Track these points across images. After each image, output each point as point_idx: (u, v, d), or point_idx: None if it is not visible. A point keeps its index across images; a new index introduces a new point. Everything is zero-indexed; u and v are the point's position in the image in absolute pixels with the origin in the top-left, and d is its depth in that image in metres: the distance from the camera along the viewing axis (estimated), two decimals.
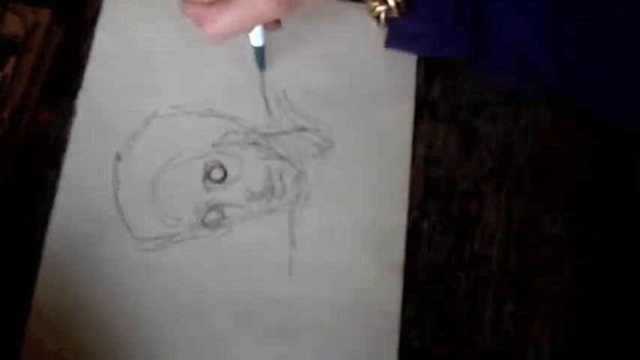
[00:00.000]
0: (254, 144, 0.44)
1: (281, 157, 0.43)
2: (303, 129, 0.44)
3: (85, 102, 0.44)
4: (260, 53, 0.43)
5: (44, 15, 0.44)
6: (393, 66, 0.45)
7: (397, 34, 0.42)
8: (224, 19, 0.36)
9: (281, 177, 0.43)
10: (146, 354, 0.40)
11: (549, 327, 0.41)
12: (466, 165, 0.44)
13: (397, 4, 0.38)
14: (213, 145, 0.44)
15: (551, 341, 0.41)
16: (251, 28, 0.39)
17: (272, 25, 0.41)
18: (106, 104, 0.44)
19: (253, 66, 0.45)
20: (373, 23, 0.41)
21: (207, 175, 0.43)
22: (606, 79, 0.38)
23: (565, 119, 0.45)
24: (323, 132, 0.44)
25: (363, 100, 0.44)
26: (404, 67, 0.45)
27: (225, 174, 0.43)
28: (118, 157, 0.43)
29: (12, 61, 0.42)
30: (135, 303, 0.40)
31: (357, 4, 0.44)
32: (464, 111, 0.45)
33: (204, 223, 0.42)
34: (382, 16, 0.39)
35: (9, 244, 0.41)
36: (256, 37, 0.41)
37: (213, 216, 0.42)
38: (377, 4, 0.39)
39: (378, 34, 0.43)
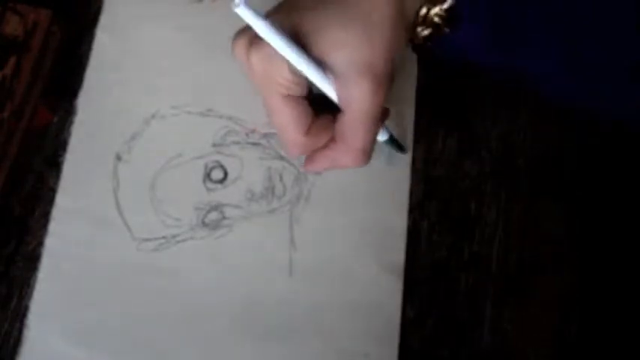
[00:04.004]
0: (254, 144, 0.44)
1: (281, 158, 0.43)
2: None
3: (86, 102, 0.44)
4: (391, 143, 0.42)
5: (44, 15, 0.43)
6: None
7: (438, 47, 0.39)
8: (357, 144, 0.35)
9: (281, 177, 0.43)
10: (146, 354, 0.40)
11: (549, 327, 0.41)
12: (466, 165, 0.44)
13: (444, 19, 0.35)
14: (214, 146, 0.43)
15: (551, 341, 0.41)
16: (378, 130, 0.36)
17: (385, 116, 0.39)
18: (106, 104, 0.44)
19: None
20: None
21: (208, 176, 0.43)
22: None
23: (565, 120, 0.45)
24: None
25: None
26: (405, 71, 0.45)
27: (226, 174, 0.43)
28: (118, 157, 0.43)
29: (12, 61, 0.42)
30: (134, 303, 0.40)
31: None
32: (464, 111, 0.45)
33: (204, 224, 0.42)
34: (424, 39, 0.37)
35: (9, 244, 0.41)
36: (380, 134, 0.39)
37: (213, 216, 0.42)
38: (421, 29, 0.36)
39: None
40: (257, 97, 0.44)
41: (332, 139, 0.35)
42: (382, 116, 0.38)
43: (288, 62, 0.31)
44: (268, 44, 0.31)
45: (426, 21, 0.35)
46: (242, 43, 0.33)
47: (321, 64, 0.32)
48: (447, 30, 0.35)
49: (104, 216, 0.42)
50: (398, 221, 0.42)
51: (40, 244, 0.41)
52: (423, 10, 0.35)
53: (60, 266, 0.41)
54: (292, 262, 0.41)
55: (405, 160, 0.44)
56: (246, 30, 0.33)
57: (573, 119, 0.45)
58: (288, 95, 0.33)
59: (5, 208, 0.42)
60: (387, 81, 0.33)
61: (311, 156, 0.37)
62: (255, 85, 0.34)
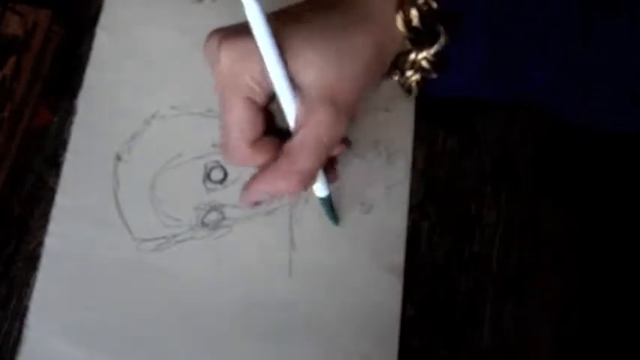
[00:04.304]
0: None
1: None
2: None
3: (86, 102, 0.44)
4: (328, 204, 0.40)
5: (44, 15, 0.43)
6: None
7: (432, 88, 0.39)
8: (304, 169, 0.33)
9: None
10: (146, 354, 0.40)
11: (549, 327, 0.41)
12: (466, 166, 0.44)
13: (433, 64, 0.35)
14: (214, 146, 0.43)
15: (551, 341, 0.41)
16: (324, 163, 0.35)
17: (332, 176, 0.39)
18: (106, 104, 0.44)
19: None
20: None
21: (208, 176, 0.43)
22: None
23: (565, 119, 0.45)
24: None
25: (364, 101, 0.44)
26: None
27: (226, 174, 0.43)
28: (118, 158, 0.43)
29: (12, 61, 0.42)
30: (134, 303, 0.40)
31: None
32: (463, 112, 0.45)
33: (204, 224, 0.42)
34: (415, 84, 0.37)
35: (9, 244, 0.41)
36: (320, 188, 0.38)
37: (213, 217, 0.42)
38: (411, 73, 0.36)
39: None
40: None
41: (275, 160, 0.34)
42: (331, 175, 0.38)
43: (262, 64, 0.31)
44: (243, 42, 0.31)
45: (415, 66, 0.35)
46: (214, 38, 0.32)
47: (293, 81, 0.32)
48: (434, 75, 0.35)
49: (104, 216, 0.42)
50: (398, 221, 0.42)
51: (40, 244, 0.41)
52: (412, 56, 0.34)
53: (60, 266, 0.41)
54: (292, 263, 0.41)
55: (405, 160, 0.44)
56: (222, 28, 0.33)
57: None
58: (249, 99, 0.32)
59: (5, 208, 0.42)
60: (349, 114, 0.33)
61: (247, 185, 0.35)
62: (217, 82, 0.33)
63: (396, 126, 0.44)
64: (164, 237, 0.42)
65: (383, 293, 0.41)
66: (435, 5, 0.33)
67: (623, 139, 0.44)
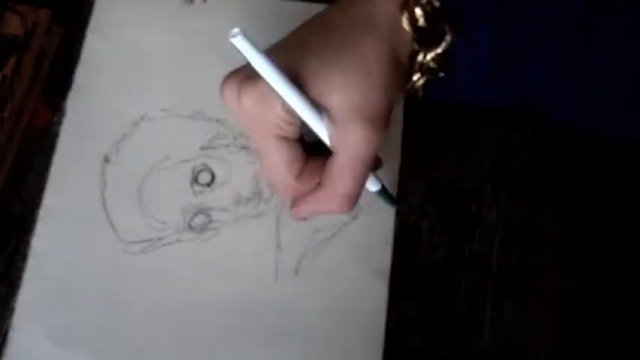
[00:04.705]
0: (242, 148, 0.44)
1: None
2: None
3: (74, 104, 0.44)
4: (383, 194, 0.40)
5: (44, 15, 0.44)
6: None
7: (436, 91, 0.38)
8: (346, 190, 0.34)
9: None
10: (132, 355, 0.39)
11: (549, 327, 0.41)
12: (466, 165, 0.44)
13: (440, 64, 0.34)
14: (202, 149, 0.43)
15: (551, 341, 0.41)
16: (366, 179, 0.35)
17: (376, 164, 0.39)
18: (95, 106, 0.44)
19: None
20: None
21: (195, 179, 0.43)
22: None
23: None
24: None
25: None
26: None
27: (213, 177, 0.43)
28: (107, 159, 0.43)
29: (12, 61, 0.42)
30: (120, 305, 0.40)
31: None
32: (463, 112, 0.45)
33: (191, 227, 0.42)
34: (422, 88, 0.36)
35: (9, 244, 0.41)
36: (371, 183, 0.38)
37: (200, 219, 0.42)
38: (418, 76, 0.35)
39: None
40: None
41: (318, 183, 0.34)
42: (374, 165, 0.37)
43: (282, 100, 0.30)
44: (261, 83, 0.30)
45: (422, 67, 0.35)
46: (233, 84, 0.32)
47: (315, 105, 0.31)
48: (441, 74, 0.35)
49: (91, 218, 0.42)
50: (384, 226, 0.42)
51: None
52: (420, 57, 0.34)
53: (46, 267, 0.41)
54: (278, 266, 0.41)
55: (393, 165, 0.43)
56: (236, 72, 0.32)
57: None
58: (281, 137, 0.32)
59: (5, 208, 0.42)
60: (383, 126, 0.33)
61: (296, 202, 0.36)
62: (246, 128, 0.33)
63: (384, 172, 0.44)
64: (151, 239, 0.42)
65: (369, 297, 0.41)
66: (437, 4, 0.33)
67: (623, 141, 0.44)
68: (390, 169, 0.43)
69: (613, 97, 0.36)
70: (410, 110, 0.45)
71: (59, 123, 0.44)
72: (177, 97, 0.44)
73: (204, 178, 0.43)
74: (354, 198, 0.34)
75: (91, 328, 0.40)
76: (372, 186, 0.38)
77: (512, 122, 0.45)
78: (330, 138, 0.32)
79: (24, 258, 0.41)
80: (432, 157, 0.44)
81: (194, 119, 0.44)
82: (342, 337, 0.40)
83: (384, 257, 0.42)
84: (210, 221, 0.42)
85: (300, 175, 0.33)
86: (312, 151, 0.34)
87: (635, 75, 0.35)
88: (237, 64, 0.44)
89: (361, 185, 0.34)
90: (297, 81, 0.31)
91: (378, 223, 0.42)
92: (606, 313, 0.41)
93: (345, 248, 0.42)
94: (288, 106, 0.31)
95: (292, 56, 0.32)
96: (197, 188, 0.43)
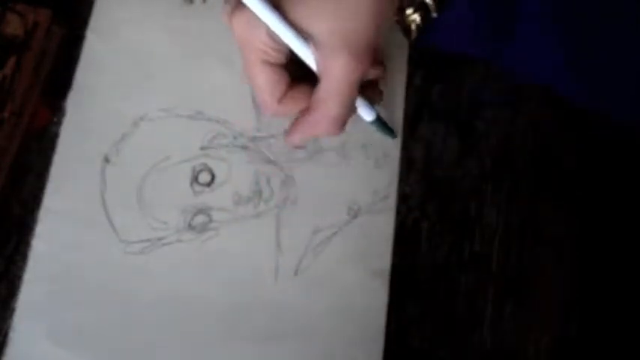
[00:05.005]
0: (242, 147, 0.44)
1: (269, 161, 0.43)
2: None
3: (74, 104, 0.44)
4: (378, 124, 0.41)
5: (44, 15, 0.43)
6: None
7: (428, 37, 0.40)
8: (325, 116, 0.36)
9: (269, 181, 0.43)
10: (131, 356, 0.39)
11: (549, 327, 0.41)
12: (466, 165, 0.44)
13: (435, 1, 0.36)
14: (202, 149, 0.43)
15: (551, 341, 0.41)
16: (353, 102, 0.37)
17: (376, 97, 0.40)
18: (94, 106, 0.44)
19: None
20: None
21: (195, 179, 0.43)
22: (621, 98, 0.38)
23: (565, 120, 0.45)
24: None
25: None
26: (394, 72, 0.45)
27: (213, 177, 0.43)
28: (106, 160, 0.43)
29: (12, 61, 0.42)
30: (120, 305, 0.40)
31: None
32: (464, 111, 0.45)
33: (190, 227, 0.42)
34: (415, 24, 0.38)
35: (9, 244, 0.41)
36: (364, 112, 0.40)
37: (200, 219, 0.42)
38: (411, 11, 0.37)
39: None
40: (246, 101, 0.45)
41: (307, 108, 0.37)
42: (375, 97, 0.39)
43: (267, 27, 0.32)
44: (248, 10, 0.32)
45: (416, 2, 0.36)
46: (227, 9, 0.34)
47: (302, 32, 0.32)
48: (434, 15, 0.35)
49: (91, 218, 0.42)
50: (385, 226, 0.42)
51: None
52: None
53: (46, 267, 0.41)
54: (278, 266, 0.41)
55: (393, 165, 0.44)
56: None
57: (574, 120, 0.45)
58: (266, 62, 0.34)
59: (5, 208, 0.42)
60: (370, 53, 0.33)
61: (290, 129, 0.39)
62: (239, 48, 0.35)
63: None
64: (151, 239, 0.42)
65: (369, 297, 0.41)
66: None
67: (623, 139, 0.44)
68: (390, 173, 0.43)
69: (607, 57, 0.36)
70: (411, 108, 0.45)
71: (59, 123, 0.44)
72: (177, 97, 0.44)
73: (204, 178, 0.43)
74: (342, 121, 0.36)
75: (91, 328, 0.40)
76: (368, 116, 0.40)
77: (513, 122, 0.45)
78: (317, 64, 0.34)
79: (24, 258, 0.41)
80: (432, 157, 0.44)
81: (194, 119, 0.44)
82: (342, 337, 0.40)
83: (384, 257, 0.42)
84: (211, 221, 0.42)
85: (282, 99, 0.36)
86: (301, 71, 0.36)
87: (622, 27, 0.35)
88: (237, 64, 0.45)
89: (349, 108, 0.36)
90: (280, 7, 0.32)
91: (378, 223, 0.42)
92: (606, 313, 0.41)
93: (345, 248, 0.42)
94: (273, 32, 0.32)
95: None
96: (197, 188, 0.43)
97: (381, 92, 0.40)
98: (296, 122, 0.38)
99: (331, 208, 0.42)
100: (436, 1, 0.35)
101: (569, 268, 0.42)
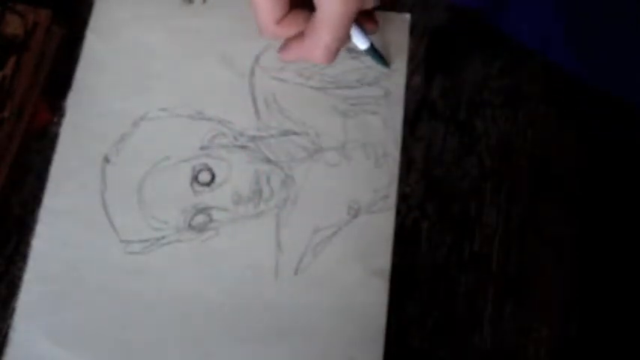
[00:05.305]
0: (242, 147, 0.44)
1: (269, 161, 0.43)
2: (291, 132, 0.44)
3: (74, 103, 0.44)
4: (372, 53, 0.43)
5: (44, 15, 0.43)
6: (381, 73, 0.45)
7: None
8: (322, 40, 0.38)
9: (269, 181, 0.43)
10: (131, 356, 0.39)
11: (549, 327, 0.41)
12: (466, 165, 0.44)
13: None
14: (202, 148, 0.43)
15: (551, 341, 0.41)
16: (346, 34, 0.39)
17: (370, 26, 0.42)
18: (94, 106, 0.44)
19: (243, 69, 0.45)
20: None
21: (195, 178, 0.43)
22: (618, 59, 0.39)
23: (565, 119, 0.45)
24: (311, 136, 0.44)
25: (352, 104, 0.45)
26: (393, 73, 0.45)
27: (213, 177, 0.43)
28: (106, 160, 0.43)
29: (12, 61, 0.42)
30: (120, 305, 0.40)
31: None
32: (464, 111, 0.45)
33: (191, 226, 0.42)
34: None
35: (9, 244, 0.41)
36: (359, 41, 0.42)
37: (200, 219, 0.42)
38: None
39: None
40: (246, 100, 0.45)
41: (302, 32, 0.39)
42: (370, 27, 0.41)
43: None
44: None
45: None
46: None
47: None
48: None
49: (91, 218, 0.42)
50: (385, 225, 0.42)
51: None
52: None
53: (46, 267, 0.41)
54: (278, 265, 0.41)
55: (393, 164, 0.43)
56: None
57: (574, 119, 0.45)
58: None
59: (5, 208, 0.42)
60: None
61: (285, 43, 0.41)
62: None
63: (384, 130, 0.44)
64: (150, 239, 0.42)
65: (369, 297, 0.41)
66: None
67: (623, 138, 0.44)
68: (390, 172, 0.43)
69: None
70: (411, 108, 0.45)
71: (59, 123, 0.44)
72: (177, 97, 0.44)
73: (204, 177, 0.43)
74: (334, 50, 0.39)
75: (91, 328, 0.40)
76: (362, 44, 0.42)
77: (513, 122, 0.45)
78: None
79: (24, 258, 0.41)
80: (432, 157, 0.44)
81: (194, 119, 0.44)
82: (342, 337, 0.40)
83: (384, 257, 0.42)
84: (211, 221, 0.42)
85: (280, 21, 0.38)
86: (303, 3, 0.38)
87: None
88: (237, 64, 0.45)
89: (341, 39, 0.38)
90: None
91: (378, 222, 0.42)
92: (606, 313, 0.41)
93: (345, 248, 0.42)
94: None
95: None
96: (197, 188, 0.43)
97: (376, 22, 0.42)
98: (291, 40, 0.40)
99: (331, 207, 0.42)
100: None
101: (569, 268, 0.42)
